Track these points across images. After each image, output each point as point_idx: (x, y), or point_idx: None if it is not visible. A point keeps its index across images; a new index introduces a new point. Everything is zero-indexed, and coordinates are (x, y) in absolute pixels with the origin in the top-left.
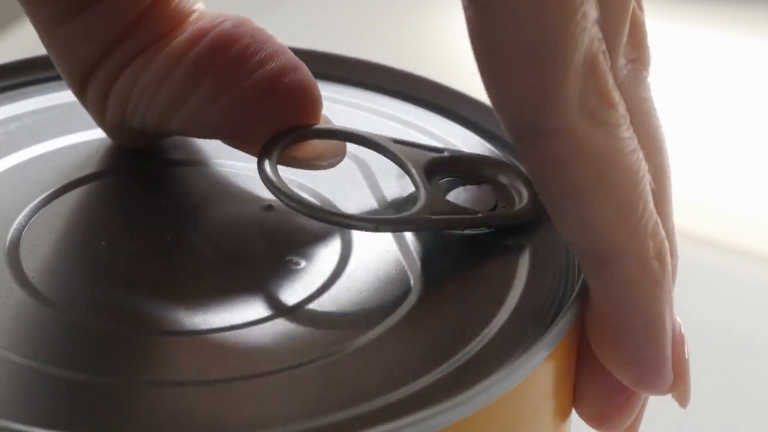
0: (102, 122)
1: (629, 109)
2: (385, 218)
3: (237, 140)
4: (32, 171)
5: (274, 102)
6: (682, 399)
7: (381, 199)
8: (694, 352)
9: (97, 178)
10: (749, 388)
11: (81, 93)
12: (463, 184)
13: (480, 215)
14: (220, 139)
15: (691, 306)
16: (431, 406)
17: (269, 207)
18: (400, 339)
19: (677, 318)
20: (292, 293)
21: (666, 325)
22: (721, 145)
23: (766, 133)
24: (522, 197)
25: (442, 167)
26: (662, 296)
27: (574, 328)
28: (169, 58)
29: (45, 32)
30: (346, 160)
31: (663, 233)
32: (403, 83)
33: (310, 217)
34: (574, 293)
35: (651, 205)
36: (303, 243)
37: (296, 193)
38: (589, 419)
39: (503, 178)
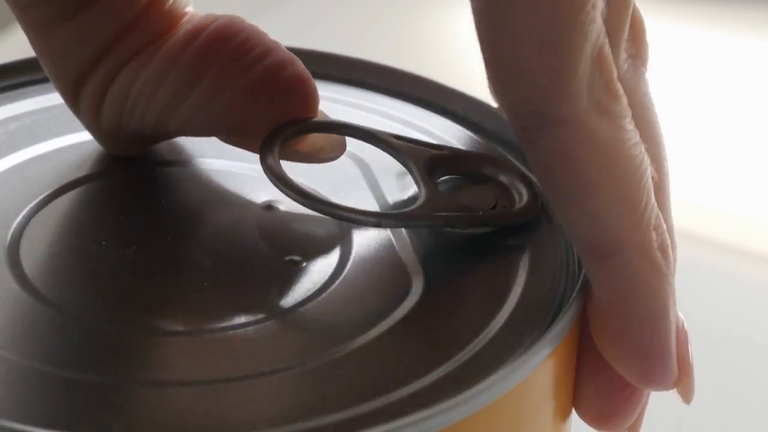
0: (96, 129)
1: (629, 104)
2: (387, 213)
3: (237, 136)
4: (32, 171)
5: (274, 95)
6: (686, 394)
7: (381, 199)
8: (694, 352)
9: (97, 178)
10: (749, 388)
11: (74, 99)
12: (464, 183)
13: (480, 213)
14: (219, 137)
15: (691, 306)
16: (431, 406)
17: (269, 207)
18: (399, 339)
19: (680, 314)
20: (291, 293)
21: (670, 317)
22: (721, 145)
23: (766, 133)
24: (522, 197)
25: (442, 165)
26: (666, 287)
27: (574, 328)
28: (167, 56)
29: (38, 38)
30: (346, 159)
31: (664, 226)
32: (403, 83)
33: (313, 209)
34: (575, 293)
35: (653, 197)
36: (303, 243)
37: (300, 186)
38: (590, 419)
39: (503, 178)
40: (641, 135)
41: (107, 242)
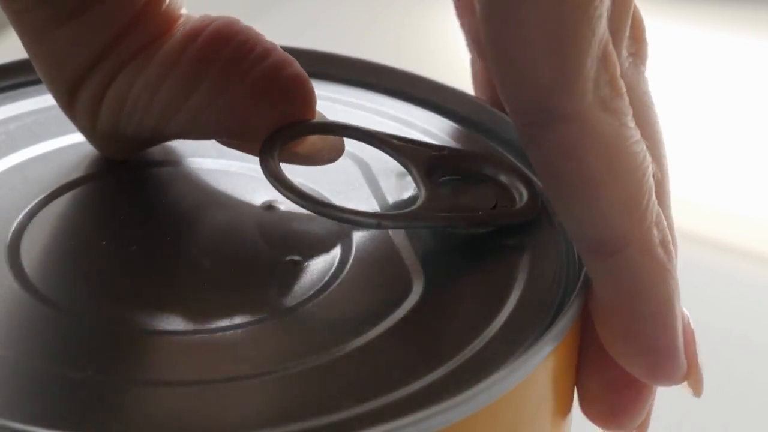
0: (92, 132)
1: (630, 102)
2: (387, 214)
3: (237, 138)
4: (33, 171)
5: (274, 97)
6: (697, 387)
7: (382, 199)
8: None
9: (98, 178)
10: (749, 388)
11: (69, 103)
12: (464, 183)
13: (480, 214)
14: (218, 139)
15: (691, 306)
16: (431, 405)
17: (269, 206)
18: (400, 339)
19: (684, 309)
20: (292, 293)
21: (676, 312)
22: (721, 145)
23: (766, 133)
24: (522, 197)
25: (442, 165)
26: (670, 282)
27: (575, 327)
28: (165, 59)
29: (32, 42)
30: (346, 160)
31: (665, 222)
32: (403, 83)
33: (313, 212)
34: (575, 292)
35: (654, 194)
36: (303, 242)
37: (300, 188)
38: (598, 419)
39: (503, 178)
40: (642, 133)
41: (107, 242)
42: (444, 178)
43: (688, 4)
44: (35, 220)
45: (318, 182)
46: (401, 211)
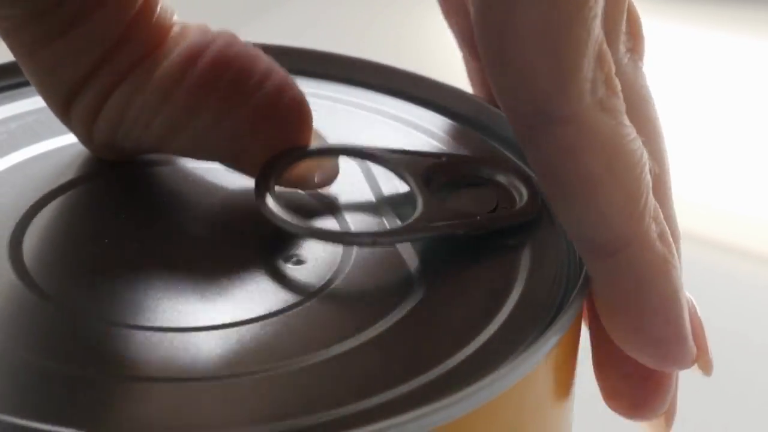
0: (89, 142)
1: (629, 97)
2: (382, 231)
3: (235, 161)
4: (34, 169)
5: (274, 122)
6: (707, 368)
7: (383, 199)
8: None
9: (99, 176)
10: (749, 388)
11: (64, 115)
12: (464, 187)
13: (478, 218)
14: (218, 161)
15: None
16: (433, 402)
17: None
18: (401, 336)
19: (688, 294)
20: (293, 291)
21: (681, 301)
22: (721, 145)
23: (766, 133)
24: (522, 196)
25: (441, 172)
26: (672, 273)
27: (575, 326)
28: (165, 82)
29: (24, 58)
30: (348, 160)
31: (661, 215)
32: (404, 82)
33: (310, 237)
34: (575, 290)
35: (651, 190)
36: (303, 242)
37: (293, 222)
38: (623, 412)
39: (502, 179)
40: (641, 128)
41: (109, 240)
42: (443, 183)
43: (687, 4)
44: (36, 218)
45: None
46: (397, 227)
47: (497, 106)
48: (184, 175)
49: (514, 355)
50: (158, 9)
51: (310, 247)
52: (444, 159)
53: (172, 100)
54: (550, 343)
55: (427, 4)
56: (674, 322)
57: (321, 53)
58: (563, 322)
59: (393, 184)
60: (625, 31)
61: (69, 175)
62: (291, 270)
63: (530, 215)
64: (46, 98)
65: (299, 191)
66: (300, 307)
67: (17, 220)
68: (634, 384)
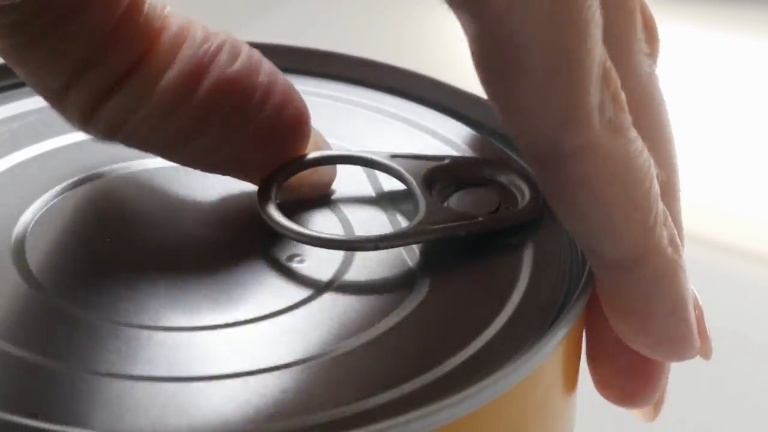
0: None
1: (642, 101)
2: (384, 235)
3: (237, 175)
4: (36, 169)
5: (278, 138)
6: (707, 354)
7: (385, 197)
8: None
9: (101, 175)
10: (749, 388)
11: (61, 113)
12: (466, 189)
13: (480, 219)
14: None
15: None
16: (436, 401)
17: None
18: (404, 335)
19: (691, 286)
20: (294, 291)
21: (689, 300)
22: (721, 145)
23: (766, 133)
24: (524, 195)
25: (442, 174)
26: (681, 276)
27: (578, 325)
28: (165, 100)
29: (12, 60)
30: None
31: (670, 219)
32: (404, 81)
33: (311, 245)
34: (578, 290)
35: (659, 197)
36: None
37: (295, 229)
38: (613, 401)
39: (504, 179)
40: (651, 133)
41: (112, 239)
42: (445, 185)
43: (688, 4)
44: (39, 218)
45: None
46: (398, 232)
47: None
48: (187, 175)
49: (518, 354)
50: (146, 6)
51: (311, 247)
52: (446, 161)
53: (173, 119)
54: (553, 342)
55: (427, 4)
56: (684, 321)
57: (322, 52)
58: (567, 321)
59: (395, 182)
60: (644, 38)
61: (72, 175)
62: (293, 270)
63: (532, 215)
64: (41, 95)
65: (301, 199)
66: (302, 307)
67: (20, 220)
68: (627, 376)
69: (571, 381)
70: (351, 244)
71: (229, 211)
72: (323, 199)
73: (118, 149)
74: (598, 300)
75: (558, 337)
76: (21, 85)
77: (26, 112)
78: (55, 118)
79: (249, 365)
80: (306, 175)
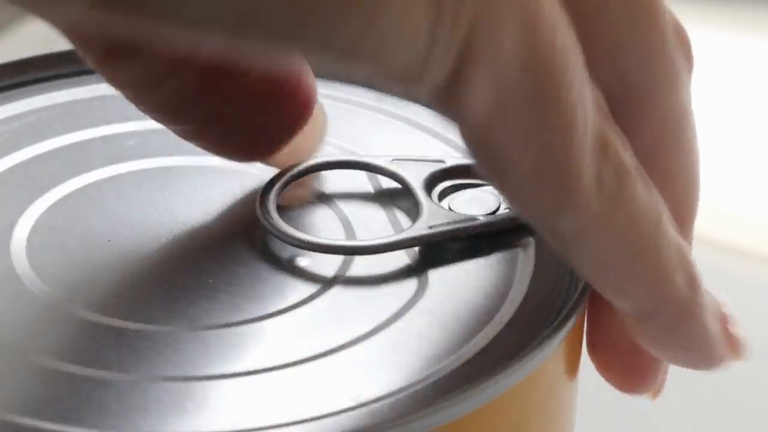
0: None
1: (668, 144)
2: (384, 244)
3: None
4: (36, 169)
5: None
6: (743, 358)
7: (384, 197)
8: None
9: (102, 176)
10: (749, 388)
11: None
12: (467, 190)
13: (480, 221)
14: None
15: None
16: (435, 401)
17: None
18: (403, 335)
19: (718, 297)
20: (293, 292)
21: (710, 328)
22: (721, 145)
23: (766, 133)
24: None
25: (443, 177)
26: (703, 312)
27: (579, 325)
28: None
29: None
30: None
31: (689, 257)
32: None
33: (313, 252)
34: (578, 290)
35: (672, 238)
36: None
37: (296, 237)
38: (616, 386)
39: None
40: (675, 173)
41: (113, 240)
42: (446, 187)
43: (688, 4)
44: (40, 217)
45: (325, 185)
46: (399, 236)
47: None
48: (189, 175)
49: (518, 354)
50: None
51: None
52: (446, 164)
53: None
54: (553, 341)
55: None
56: (707, 349)
57: None
58: (567, 320)
59: (396, 183)
60: (682, 54)
61: (72, 175)
62: (293, 270)
63: None
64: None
65: (302, 201)
66: (301, 308)
67: (21, 220)
68: (625, 372)
69: (571, 380)
70: (351, 250)
71: (230, 211)
72: (324, 199)
73: (119, 149)
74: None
75: (558, 337)
76: (21, 85)
77: (26, 112)
78: (55, 118)
79: (243, 367)
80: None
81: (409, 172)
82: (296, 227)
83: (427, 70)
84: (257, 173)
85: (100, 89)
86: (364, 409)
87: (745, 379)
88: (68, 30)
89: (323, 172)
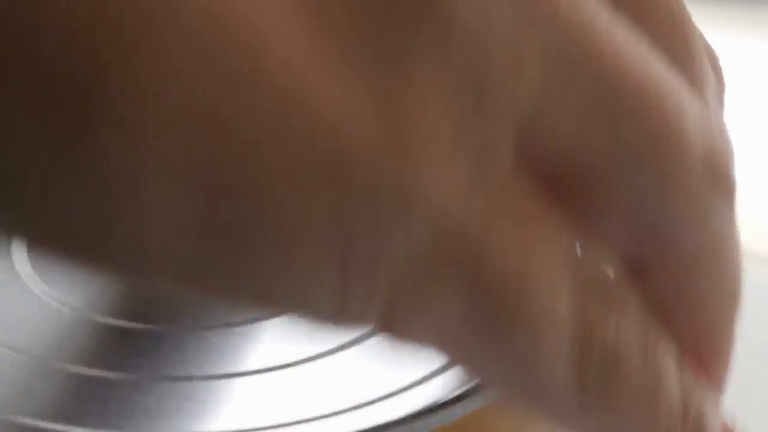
0: None
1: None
2: None
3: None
4: None
5: None
6: None
7: None
8: None
9: None
10: (749, 388)
11: None
12: None
13: None
14: None
15: None
16: (435, 401)
17: None
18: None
19: (725, 420)
20: None
21: None
22: None
23: (766, 133)
24: None
25: None
26: None
27: None
28: None
29: None
30: None
31: (695, 399)
32: None
33: None
34: None
35: (676, 392)
36: None
37: None
38: None
39: None
40: (703, 293)
41: None
42: None
43: (688, 5)
44: None
45: None
46: None
47: None
48: None
49: None
50: None
51: None
52: None
53: None
54: None
55: None
56: None
57: None
58: None
59: None
60: (715, 185)
61: None
62: None
63: None
64: None
65: None
66: None
67: None
68: None
69: None
70: None
71: None
72: None
73: None
74: None
75: None
76: None
77: None
78: None
79: (244, 366)
80: None
81: None
82: None
83: (350, 317)
84: None
85: None
86: (364, 409)
87: (745, 379)
88: None
89: None
